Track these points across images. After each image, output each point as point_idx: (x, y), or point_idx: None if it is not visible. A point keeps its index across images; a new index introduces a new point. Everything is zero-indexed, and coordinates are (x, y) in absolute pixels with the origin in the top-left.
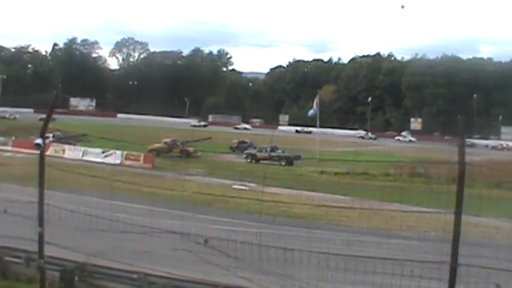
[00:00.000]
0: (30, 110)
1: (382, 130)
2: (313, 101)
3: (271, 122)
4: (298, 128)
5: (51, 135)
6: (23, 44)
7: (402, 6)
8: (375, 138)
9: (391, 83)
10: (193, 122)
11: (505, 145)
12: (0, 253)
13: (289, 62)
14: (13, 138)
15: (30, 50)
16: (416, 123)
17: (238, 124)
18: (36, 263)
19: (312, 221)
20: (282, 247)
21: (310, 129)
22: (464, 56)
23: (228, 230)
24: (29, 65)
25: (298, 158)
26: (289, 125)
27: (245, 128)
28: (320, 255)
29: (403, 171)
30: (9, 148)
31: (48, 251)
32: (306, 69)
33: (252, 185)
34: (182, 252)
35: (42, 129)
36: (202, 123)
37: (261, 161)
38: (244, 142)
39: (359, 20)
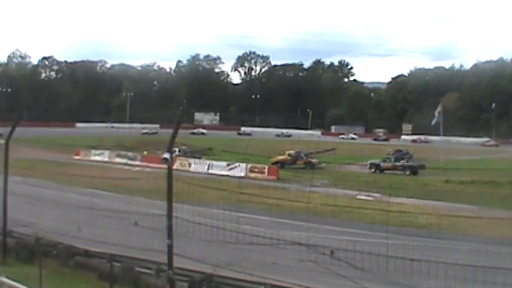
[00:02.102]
0: (157, 126)
1: (507, 137)
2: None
3: (395, 131)
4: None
5: (177, 149)
6: (148, 62)
7: None
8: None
9: None
10: (145, 129)
11: None
12: (131, 264)
13: (411, 71)
14: (145, 153)
15: (155, 67)
16: None
17: (195, 128)
18: (165, 274)
19: (438, 231)
20: (408, 258)
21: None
22: None
23: (353, 240)
24: (155, 82)
25: (423, 167)
26: (413, 134)
27: (202, 133)
28: (447, 265)
29: None
30: (138, 163)
31: (177, 262)
32: (427, 77)
33: (377, 195)
34: (308, 264)
35: (169, 144)
36: (153, 130)
37: (385, 171)
38: (399, 151)
39: (480, 26)
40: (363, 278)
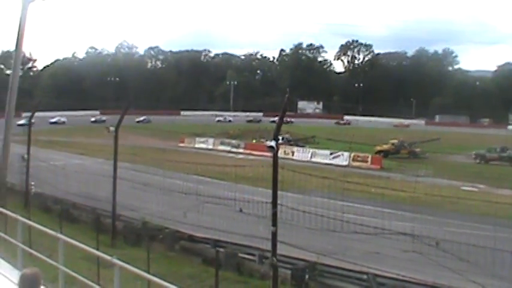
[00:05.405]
0: (260, 114)
1: None
2: None
3: (501, 121)
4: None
5: (280, 137)
6: (251, 51)
7: None
8: None
9: None
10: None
11: None
12: (235, 250)
13: None
14: (253, 141)
15: (258, 56)
16: None
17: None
18: (269, 261)
19: None
20: None
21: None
22: None
23: (459, 232)
24: (258, 71)
25: None
26: None
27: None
28: None
29: None
30: (241, 150)
31: (281, 249)
32: None
33: (482, 186)
34: (412, 254)
35: (274, 132)
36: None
37: (491, 162)
38: None
39: None
40: (468, 271)
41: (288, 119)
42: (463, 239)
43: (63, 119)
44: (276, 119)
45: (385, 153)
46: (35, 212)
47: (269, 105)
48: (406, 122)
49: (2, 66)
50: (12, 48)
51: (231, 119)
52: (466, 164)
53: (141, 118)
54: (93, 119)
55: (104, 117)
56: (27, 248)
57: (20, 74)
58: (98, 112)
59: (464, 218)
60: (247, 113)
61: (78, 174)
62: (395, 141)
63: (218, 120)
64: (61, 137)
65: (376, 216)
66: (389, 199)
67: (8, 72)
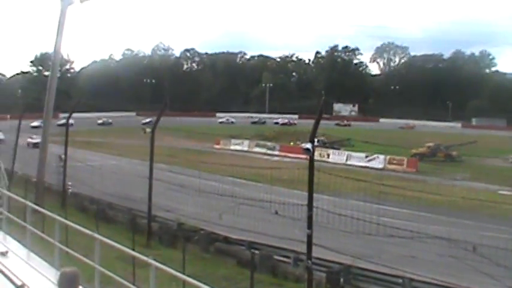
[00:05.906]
0: (295, 116)
1: None
2: None
3: None
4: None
5: (316, 140)
6: (287, 53)
7: None
8: None
9: None
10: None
11: None
12: (270, 252)
13: None
14: (291, 143)
15: (294, 58)
16: None
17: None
18: (304, 264)
19: None
20: None
21: None
22: None
23: (497, 237)
24: (293, 73)
25: None
26: None
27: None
28: None
29: None
30: (277, 153)
31: (316, 252)
32: None
33: None
34: (449, 259)
35: (311, 135)
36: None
37: None
38: None
39: None
40: (506, 277)
41: (292, 121)
42: (501, 244)
43: (71, 121)
44: (280, 121)
45: (421, 156)
46: (72, 212)
47: (304, 107)
48: (412, 123)
49: (41, 68)
50: (50, 50)
51: (233, 120)
52: (503, 168)
53: (147, 120)
54: (99, 121)
55: (110, 120)
56: (64, 247)
57: (58, 75)
58: (106, 114)
59: (501, 222)
60: (283, 115)
61: (114, 174)
62: (431, 144)
63: (220, 122)
64: (97, 138)
65: (412, 219)
66: (425, 203)
67: (47, 73)
